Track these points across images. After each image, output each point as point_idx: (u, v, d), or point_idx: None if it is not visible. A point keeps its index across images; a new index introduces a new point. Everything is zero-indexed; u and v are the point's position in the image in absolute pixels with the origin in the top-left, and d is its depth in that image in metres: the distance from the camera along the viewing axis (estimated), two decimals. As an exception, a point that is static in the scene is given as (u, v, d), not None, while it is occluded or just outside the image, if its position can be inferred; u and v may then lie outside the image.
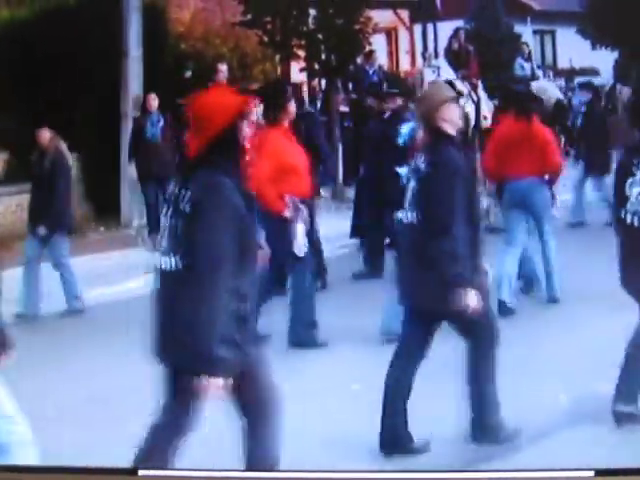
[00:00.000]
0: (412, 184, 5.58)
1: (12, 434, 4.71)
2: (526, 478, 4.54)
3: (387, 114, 9.67)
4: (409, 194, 5.58)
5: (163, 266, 4.37)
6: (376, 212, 9.20)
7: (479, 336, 5.51)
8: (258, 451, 4.57)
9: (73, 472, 4.54)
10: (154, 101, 11.57)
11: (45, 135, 9.24)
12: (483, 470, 4.72)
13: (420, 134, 5.70)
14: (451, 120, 5.55)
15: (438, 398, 5.82)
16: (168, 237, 4.38)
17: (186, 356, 4.25)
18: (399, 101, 9.71)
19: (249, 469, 4.53)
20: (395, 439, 5.47)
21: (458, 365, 5.54)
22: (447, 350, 5.58)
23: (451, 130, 5.55)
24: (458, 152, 5.52)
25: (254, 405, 4.54)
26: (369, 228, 9.82)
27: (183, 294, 4.24)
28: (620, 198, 5.70)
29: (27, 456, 4.73)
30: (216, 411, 6.10)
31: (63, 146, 9.33)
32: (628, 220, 5.65)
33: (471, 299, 5.31)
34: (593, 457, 4.69)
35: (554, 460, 4.66)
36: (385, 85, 12.69)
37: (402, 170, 5.63)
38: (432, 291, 5.36)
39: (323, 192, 12.05)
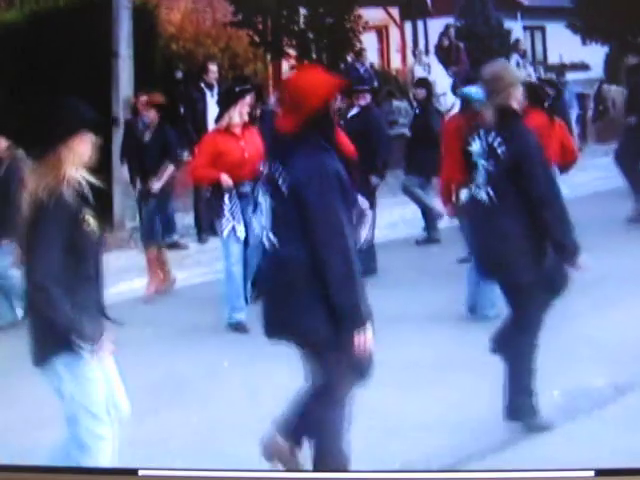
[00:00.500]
0: (483, 162, 5.67)
1: (93, 434, 4.63)
2: (526, 478, 4.54)
3: (355, 111, 9.79)
4: (481, 172, 5.68)
5: (269, 244, 4.57)
6: None
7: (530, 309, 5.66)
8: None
9: (73, 472, 4.53)
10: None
11: (1, 144, 9.18)
12: (483, 470, 4.72)
13: (487, 113, 5.73)
14: (519, 99, 5.71)
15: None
16: (266, 215, 4.59)
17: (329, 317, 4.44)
18: (368, 97, 9.85)
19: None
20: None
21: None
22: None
23: (519, 109, 5.69)
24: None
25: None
26: None
27: (290, 268, 4.45)
28: None
29: (103, 456, 4.66)
30: (216, 411, 6.19)
31: (20, 154, 9.26)
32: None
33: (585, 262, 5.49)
34: (593, 457, 4.69)
35: (554, 460, 4.66)
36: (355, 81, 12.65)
37: (475, 147, 5.68)
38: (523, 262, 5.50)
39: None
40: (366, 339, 4.47)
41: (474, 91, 7.20)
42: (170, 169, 9.37)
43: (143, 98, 11.53)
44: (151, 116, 9.34)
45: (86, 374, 4.53)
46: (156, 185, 9.27)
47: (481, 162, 5.70)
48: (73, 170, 4.38)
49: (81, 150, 4.44)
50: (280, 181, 4.46)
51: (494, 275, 5.81)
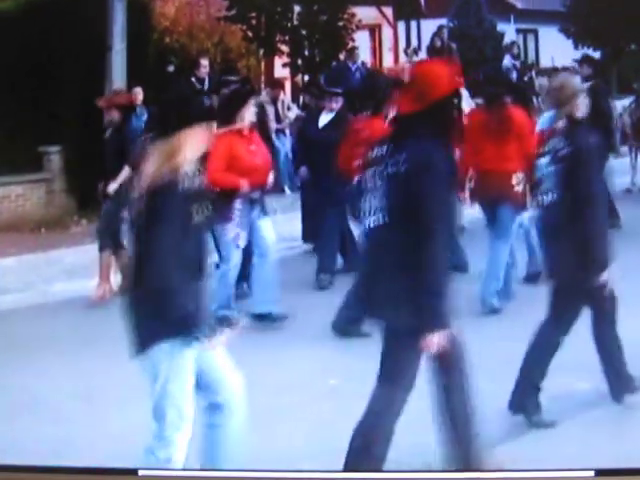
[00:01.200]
0: (551, 167, 5.90)
1: (175, 427, 4.59)
2: (526, 478, 4.54)
3: (329, 114, 9.40)
4: (547, 177, 5.92)
5: (372, 224, 4.64)
6: (326, 214, 9.08)
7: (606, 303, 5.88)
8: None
9: (73, 472, 4.50)
10: (139, 95, 11.48)
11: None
12: (483, 470, 4.70)
13: (558, 122, 6.01)
14: (583, 108, 5.99)
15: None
16: (375, 196, 4.64)
17: (411, 312, 4.47)
18: (340, 101, 9.41)
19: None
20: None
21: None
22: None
23: (582, 117, 5.98)
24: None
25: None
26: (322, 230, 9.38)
27: (396, 251, 4.52)
28: None
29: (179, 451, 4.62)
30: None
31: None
32: None
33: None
34: (593, 457, 4.69)
35: (554, 460, 4.65)
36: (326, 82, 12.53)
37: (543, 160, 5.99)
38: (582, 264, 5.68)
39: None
40: (438, 343, 4.51)
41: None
42: (127, 171, 9.11)
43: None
44: (113, 115, 9.15)
45: (185, 365, 4.51)
46: (111, 186, 8.98)
47: (549, 169, 5.95)
48: (191, 157, 4.48)
49: (201, 139, 4.54)
50: (397, 162, 4.58)
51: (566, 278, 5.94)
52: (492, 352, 6.29)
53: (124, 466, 4.61)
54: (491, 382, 5.53)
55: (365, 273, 4.87)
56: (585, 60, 12.05)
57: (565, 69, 12.93)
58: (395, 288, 4.55)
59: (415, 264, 4.45)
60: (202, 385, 4.63)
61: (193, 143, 4.49)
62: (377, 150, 4.72)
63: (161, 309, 4.35)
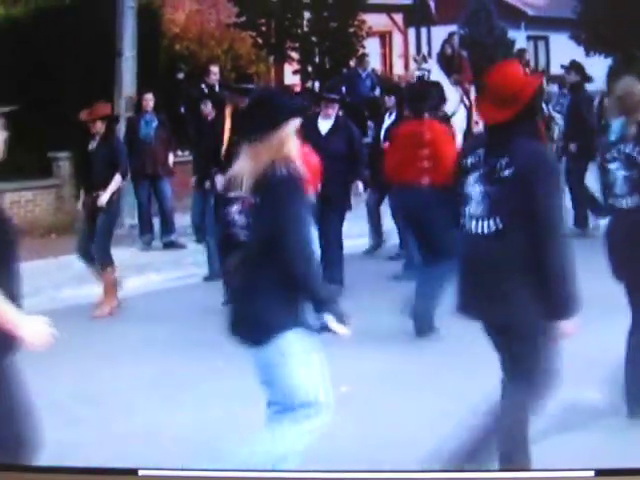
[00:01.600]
0: (623, 172, 5.94)
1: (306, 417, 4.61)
2: (526, 478, 4.52)
3: (327, 120, 9.25)
4: (621, 182, 5.96)
5: (479, 230, 4.70)
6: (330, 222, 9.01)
7: None
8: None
9: (73, 472, 4.50)
10: (150, 101, 11.47)
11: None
12: (483, 470, 4.69)
13: (631, 128, 6.06)
14: None
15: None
16: (480, 202, 4.70)
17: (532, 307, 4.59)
18: (336, 107, 9.32)
19: None
20: None
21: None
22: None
23: None
24: None
25: None
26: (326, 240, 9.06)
27: (505, 255, 4.62)
28: None
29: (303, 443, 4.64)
30: (218, 411, 6.17)
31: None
32: None
33: None
34: (593, 457, 4.68)
35: (554, 460, 4.63)
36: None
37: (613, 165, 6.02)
38: None
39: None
40: (574, 327, 4.62)
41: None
42: (118, 181, 9.06)
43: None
44: (97, 127, 9.17)
45: (310, 354, 4.57)
46: (103, 198, 8.80)
47: (620, 173, 5.98)
48: (292, 151, 4.61)
49: (293, 133, 4.69)
50: (500, 168, 4.64)
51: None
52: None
53: (124, 466, 4.60)
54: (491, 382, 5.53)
55: (476, 277, 4.83)
56: (572, 66, 12.06)
57: (555, 77, 12.97)
58: (514, 287, 4.64)
59: (539, 261, 4.56)
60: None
61: (293, 137, 4.62)
62: (472, 157, 4.79)
63: (306, 292, 4.49)
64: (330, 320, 4.54)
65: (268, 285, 4.49)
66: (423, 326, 7.65)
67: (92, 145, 9.04)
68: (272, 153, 4.50)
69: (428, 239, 7.89)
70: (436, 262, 7.56)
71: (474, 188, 4.74)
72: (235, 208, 4.57)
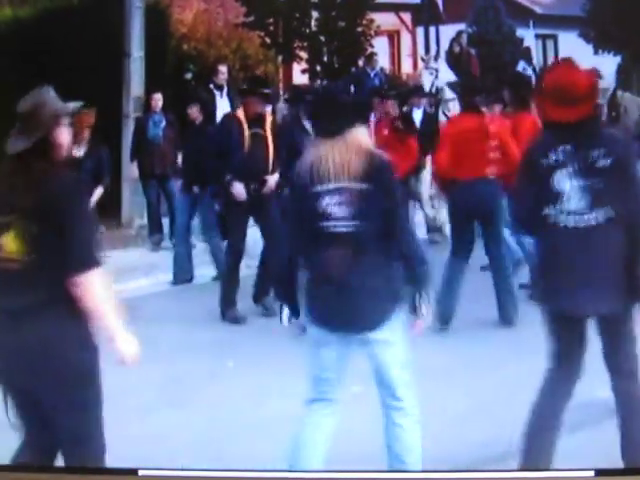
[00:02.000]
0: None
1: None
2: (526, 478, 4.53)
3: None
4: None
5: (583, 224, 4.76)
6: None
7: None
8: None
9: (73, 472, 4.51)
10: (158, 101, 11.47)
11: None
12: (483, 470, 4.71)
13: None
14: None
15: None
16: (581, 197, 4.75)
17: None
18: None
19: None
20: None
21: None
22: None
23: None
24: None
25: None
26: None
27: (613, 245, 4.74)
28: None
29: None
30: (218, 410, 6.19)
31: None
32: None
33: None
34: (593, 457, 4.68)
35: (554, 460, 4.64)
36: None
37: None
38: None
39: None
40: None
41: None
42: (99, 194, 9.03)
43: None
44: (85, 136, 9.16)
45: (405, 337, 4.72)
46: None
47: None
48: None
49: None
50: (595, 159, 4.75)
51: None
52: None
53: (124, 466, 4.62)
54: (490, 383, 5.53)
55: (586, 271, 4.83)
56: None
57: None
58: (621, 274, 4.74)
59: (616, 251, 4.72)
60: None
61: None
62: (553, 154, 4.83)
63: (416, 271, 4.67)
64: (422, 301, 4.72)
65: (378, 270, 4.62)
66: (447, 315, 7.82)
67: (77, 152, 9.06)
68: (363, 143, 4.70)
69: (497, 230, 8.13)
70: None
71: (568, 184, 4.78)
72: (333, 200, 4.62)
